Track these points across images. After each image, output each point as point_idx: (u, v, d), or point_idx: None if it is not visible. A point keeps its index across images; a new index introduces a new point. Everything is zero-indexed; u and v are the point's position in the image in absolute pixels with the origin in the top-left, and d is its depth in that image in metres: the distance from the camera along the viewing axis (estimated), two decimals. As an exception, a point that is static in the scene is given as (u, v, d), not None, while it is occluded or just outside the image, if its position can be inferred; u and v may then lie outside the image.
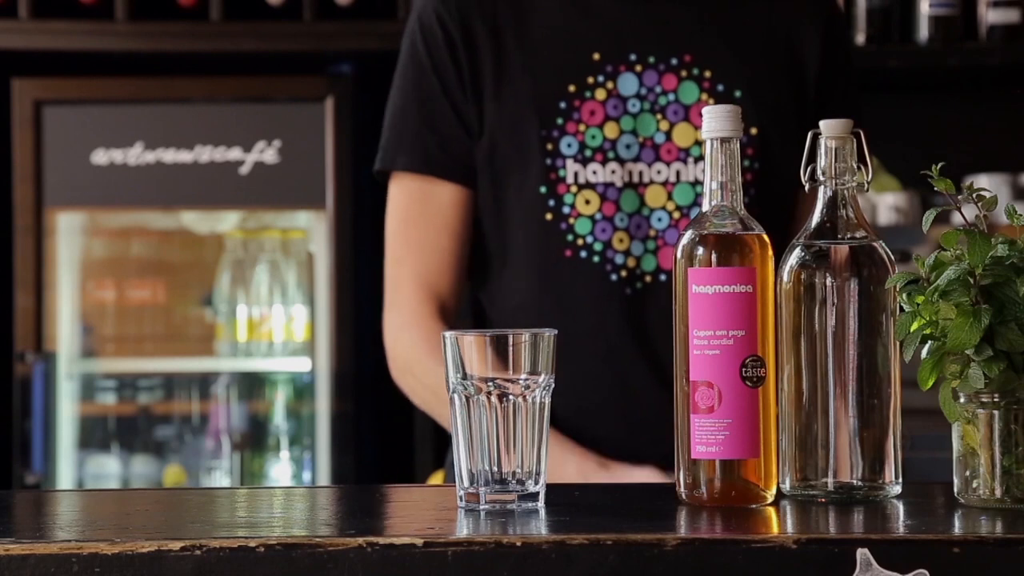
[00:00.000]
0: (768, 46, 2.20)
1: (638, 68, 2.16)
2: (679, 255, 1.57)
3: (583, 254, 2.14)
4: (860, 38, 3.84)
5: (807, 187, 1.62)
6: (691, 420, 1.55)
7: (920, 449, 2.97)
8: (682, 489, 1.57)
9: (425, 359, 2.15)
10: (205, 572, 1.34)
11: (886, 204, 3.85)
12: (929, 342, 1.51)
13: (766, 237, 1.58)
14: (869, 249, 1.58)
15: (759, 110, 2.16)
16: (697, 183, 2.14)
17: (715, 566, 1.34)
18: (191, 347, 4.25)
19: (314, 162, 3.98)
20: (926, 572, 1.34)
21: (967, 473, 1.52)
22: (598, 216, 2.14)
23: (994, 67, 3.96)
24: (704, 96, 2.16)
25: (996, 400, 1.50)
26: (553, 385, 1.54)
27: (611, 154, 2.14)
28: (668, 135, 2.15)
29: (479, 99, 2.16)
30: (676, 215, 2.14)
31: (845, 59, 2.26)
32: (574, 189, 2.14)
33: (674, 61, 2.16)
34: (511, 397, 1.51)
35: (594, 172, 2.14)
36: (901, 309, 1.54)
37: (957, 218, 1.54)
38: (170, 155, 3.98)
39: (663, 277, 2.14)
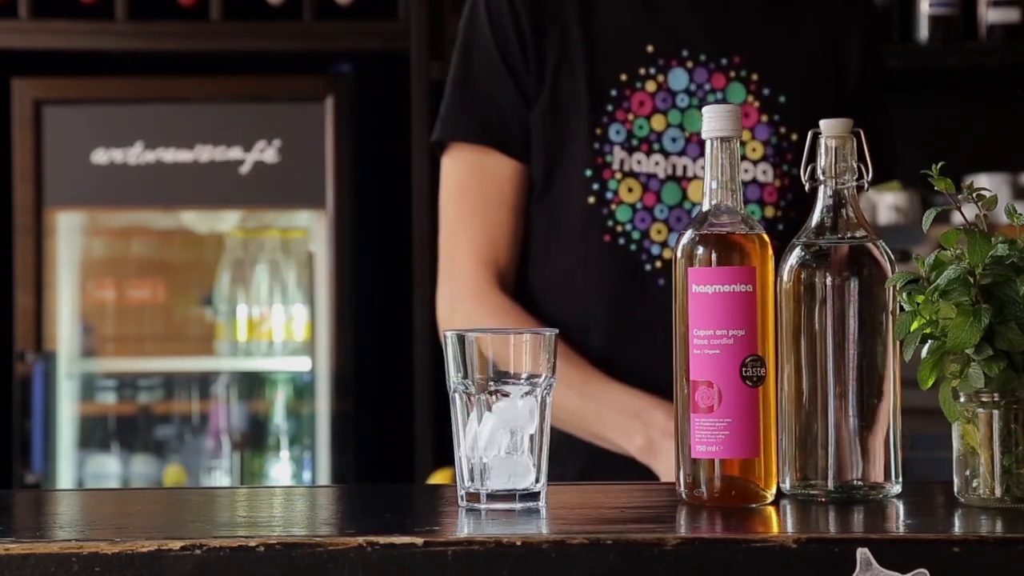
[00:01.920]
0: (815, 53, 2.23)
1: (689, 64, 2.19)
2: (679, 254, 1.58)
3: (621, 241, 2.16)
4: (860, 38, 3.84)
5: (807, 187, 1.62)
6: (691, 419, 1.56)
7: (920, 449, 2.96)
8: (682, 488, 1.57)
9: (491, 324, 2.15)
10: (205, 572, 1.34)
11: (886, 204, 3.85)
12: (929, 342, 1.51)
13: (766, 237, 1.58)
14: (869, 249, 1.58)
15: (803, 116, 2.18)
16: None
17: (715, 566, 1.34)
18: (191, 347, 4.25)
19: (314, 162, 3.98)
20: (926, 572, 1.34)
21: (967, 473, 1.52)
22: (639, 205, 2.16)
23: (994, 67, 3.95)
24: (750, 98, 2.19)
25: (996, 399, 1.50)
26: (554, 384, 1.54)
27: (656, 146, 2.17)
28: None
29: (541, 76, 2.18)
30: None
31: (881, 67, 2.32)
32: (619, 176, 2.16)
33: (724, 61, 2.19)
34: (512, 396, 1.51)
35: (639, 162, 2.16)
36: (901, 309, 1.54)
37: (957, 218, 1.54)
38: (170, 155, 3.98)
39: None
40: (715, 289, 1.55)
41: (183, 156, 3.98)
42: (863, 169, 1.60)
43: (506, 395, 1.52)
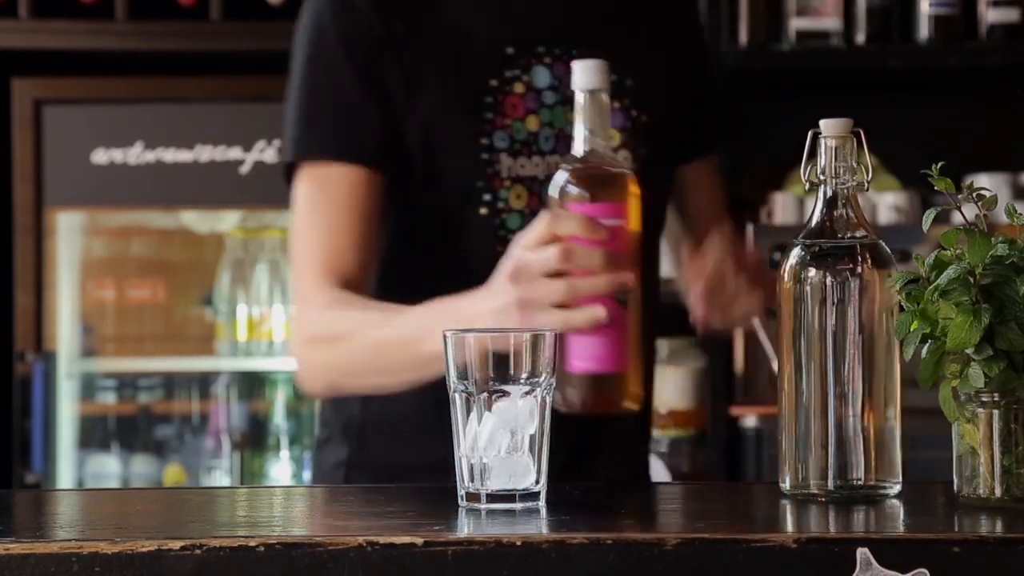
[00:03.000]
0: (656, 32, 2.22)
1: (548, 60, 2.16)
2: (552, 192, 1.78)
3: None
4: (860, 37, 3.84)
5: (807, 187, 1.62)
6: (569, 337, 1.74)
7: (920, 449, 2.97)
8: (556, 398, 1.65)
9: (321, 317, 2.08)
10: (205, 572, 1.34)
11: (886, 204, 3.85)
12: (929, 341, 1.51)
13: (633, 175, 1.78)
14: (869, 248, 1.58)
15: (649, 98, 2.18)
16: None
17: (715, 566, 1.34)
18: (191, 347, 4.25)
19: (314, 162, 3.97)
20: (926, 572, 1.34)
21: (967, 472, 1.53)
22: (527, 211, 2.13)
23: (994, 67, 3.95)
24: None
25: (996, 399, 1.50)
26: (554, 384, 1.54)
27: (535, 147, 2.15)
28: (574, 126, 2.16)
29: (406, 99, 2.12)
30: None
31: (702, 38, 2.34)
32: (508, 183, 2.13)
33: (575, 52, 2.17)
34: (512, 396, 1.51)
35: (522, 166, 2.14)
36: (901, 309, 1.54)
37: (957, 217, 1.54)
38: (170, 155, 3.98)
39: None
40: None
41: (183, 156, 3.98)
42: (863, 169, 1.60)
43: (506, 395, 1.52)
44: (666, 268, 2.36)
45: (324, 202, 2.10)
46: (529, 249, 1.82)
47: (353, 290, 2.07)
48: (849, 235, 1.58)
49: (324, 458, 2.24)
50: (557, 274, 1.78)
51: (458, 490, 1.54)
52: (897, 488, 1.57)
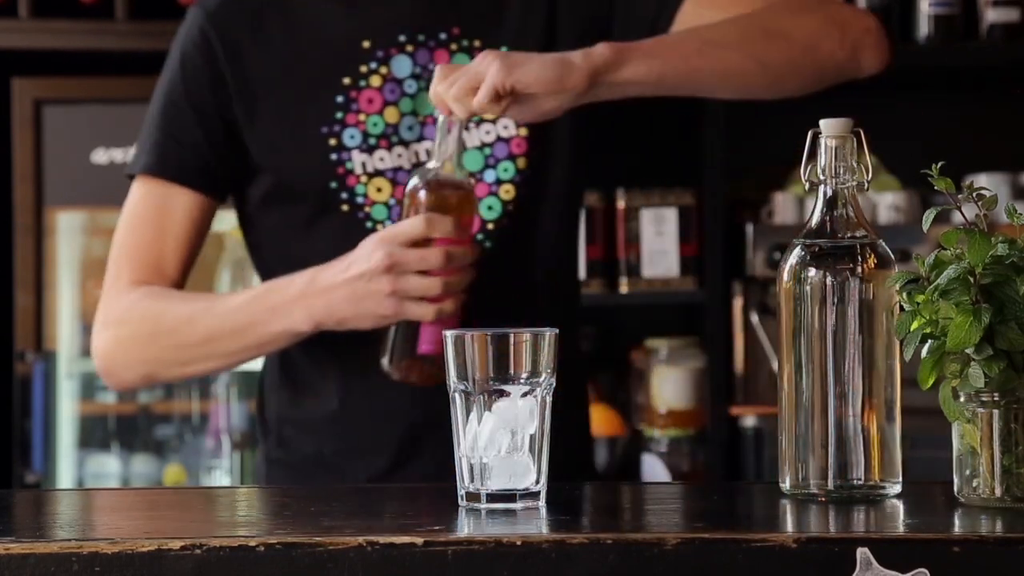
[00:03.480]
0: (524, 14, 2.20)
1: (409, 48, 2.18)
2: (407, 201, 2.03)
3: None
4: (860, 38, 3.83)
5: (807, 187, 1.62)
6: (421, 324, 2.03)
7: (920, 448, 2.97)
8: (398, 373, 2.05)
9: (138, 311, 2.17)
10: (205, 572, 1.34)
11: (886, 203, 3.85)
12: (929, 341, 1.51)
13: (475, 194, 2.06)
14: (869, 248, 1.58)
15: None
16: (484, 146, 2.18)
17: (715, 566, 1.34)
18: (191, 347, 4.24)
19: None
20: (926, 571, 1.34)
21: (967, 472, 1.53)
22: (391, 201, 2.16)
23: (994, 67, 3.96)
24: None
25: (996, 399, 1.50)
26: (555, 384, 1.54)
27: (395, 138, 2.16)
28: None
29: (249, 110, 2.17)
30: (472, 181, 2.16)
31: None
32: (364, 179, 2.16)
33: (443, 36, 2.18)
34: (512, 396, 1.51)
35: (381, 159, 2.16)
36: (901, 308, 1.54)
37: (957, 217, 1.54)
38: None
39: None
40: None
41: (183, 156, 3.97)
42: (863, 169, 1.60)
43: (506, 395, 1.52)
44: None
45: (150, 211, 2.20)
46: (402, 244, 2.00)
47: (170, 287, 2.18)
48: (849, 235, 1.58)
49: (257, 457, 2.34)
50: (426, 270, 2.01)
51: (458, 490, 1.54)
52: (897, 488, 1.57)
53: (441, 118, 2.02)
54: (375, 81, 2.17)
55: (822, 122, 1.60)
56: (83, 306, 4.19)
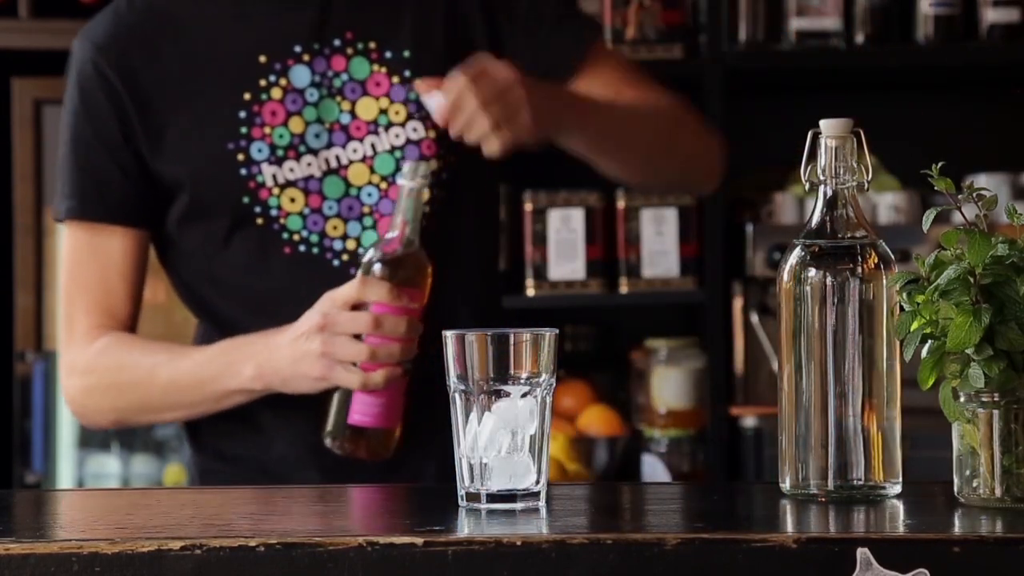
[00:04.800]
0: (418, 9, 2.20)
1: (306, 58, 2.18)
2: (364, 263, 2.04)
3: (302, 248, 2.16)
4: (860, 37, 3.84)
5: (807, 187, 1.62)
6: (354, 394, 2.03)
7: (920, 448, 2.97)
8: (334, 444, 2.05)
9: (103, 362, 2.19)
10: (205, 572, 1.34)
11: (886, 204, 3.85)
12: (929, 341, 1.51)
13: (430, 267, 2.06)
14: (869, 248, 1.58)
15: (431, 62, 2.17)
16: (394, 149, 2.17)
17: (715, 566, 1.34)
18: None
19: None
20: (926, 572, 1.34)
21: (967, 472, 1.52)
22: (306, 211, 2.16)
23: (994, 67, 3.95)
24: (375, 67, 2.18)
25: (996, 399, 1.50)
26: (555, 384, 1.54)
27: (302, 148, 2.17)
28: (352, 113, 2.18)
29: (155, 135, 2.17)
30: (383, 185, 2.17)
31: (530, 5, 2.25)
32: (276, 191, 2.16)
33: (337, 42, 2.18)
34: (512, 396, 1.51)
35: (291, 169, 2.16)
36: (901, 309, 1.54)
37: (957, 217, 1.54)
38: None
39: None
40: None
41: (183, 156, 3.97)
42: (863, 169, 1.60)
43: (506, 395, 1.52)
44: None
45: (90, 260, 2.20)
46: (338, 307, 2.02)
47: (124, 329, 2.19)
48: (849, 235, 1.58)
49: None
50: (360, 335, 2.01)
51: (458, 490, 1.54)
52: (897, 488, 1.57)
53: (404, 185, 2.04)
54: (276, 93, 2.17)
55: (822, 122, 1.60)
56: (83, 306, 4.19)
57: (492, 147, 2.03)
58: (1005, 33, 3.83)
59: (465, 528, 1.45)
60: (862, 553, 1.34)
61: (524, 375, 1.52)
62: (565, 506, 1.56)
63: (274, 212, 2.16)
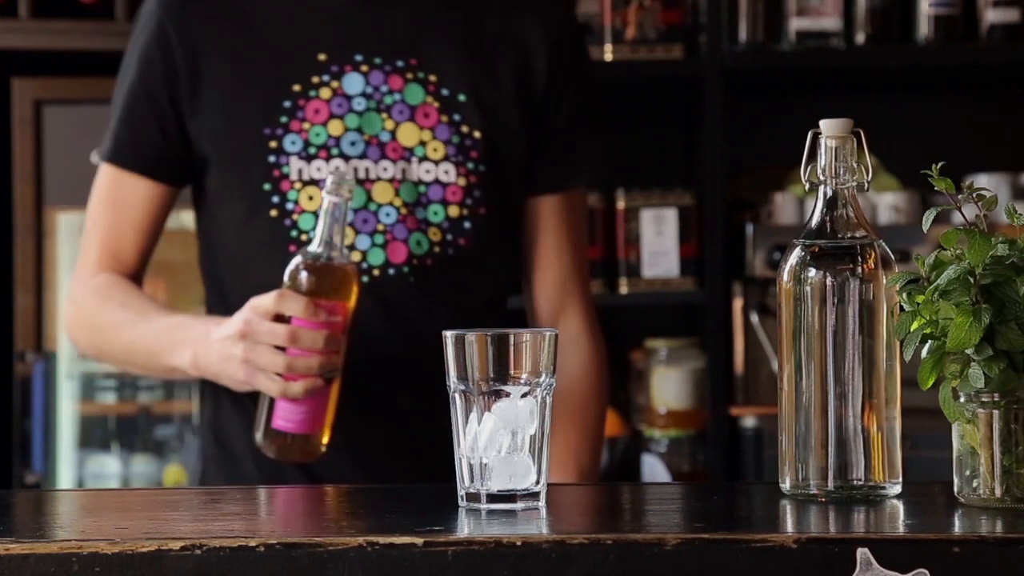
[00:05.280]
0: (497, 52, 2.23)
1: (364, 68, 2.19)
2: (285, 274, 2.04)
3: None
4: (860, 37, 3.84)
5: (807, 187, 1.62)
6: (277, 402, 2.04)
7: (920, 448, 2.97)
8: (262, 446, 2.07)
9: (90, 301, 2.26)
10: (205, 572, 1.34)
11: (886, 204, 3.85)
12: (929, 341, 1.51)
13: (357, 278, 2.06)
14: (869, 248, 1.58)
15: (483, 115, 2.20)
16: (421, 183, 2.18)
17: (715, 566, 1.34)
18: (191, 347, 4.24)
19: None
20: (926, 572, 1.34)
21: (967, 473, 1.53)
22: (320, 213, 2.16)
23: (994, 67, 3.95)
24: (429, 99, 2.20)
25: (996, 399, 1.50)
26: (555, 384, 1.54)
27: (335, 151, 2.18)
28: (393, 134, 2.19)
29: (198, 102, 2.20)
30: (404, 211, 2.18)
31: (576, 70, 2.29)
32: (298, 186, 2.17)
33: (400, 63, 2.20)
34: (512, 396, 1.51)
35: (318, 169, 2.17)
36: (901, 309, 1.54)
37: (957, 218, 1.54)
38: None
39: (391, 271, 2.18)
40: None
41: (183, 156, 3.97)
42: (863, 169, 1.60)
43: (506, 395, 1.52)
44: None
45: (111, 197, 2.27)
46: (259, 315, 2.03)
47: (127, 273, 2.27)
48: (849, 235, 1.58)
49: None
50: (280, 345, 2.02)
51: (458, 490, 1.54)
52: (897, 488, 1.57)
53: (326, 200, 2.04)
54: (324, 93, 2.18)
55: (822, 122, 1.60)
56: (83, 306, 4.18)
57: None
58: (1005, 33, 3.83)
59: (465, 528, 1.45)
60: (862, 553, 1.34)
61: (524, 375, 1.52)
62: (565, 506, 1.56)
63: (290, 206, 2.17)
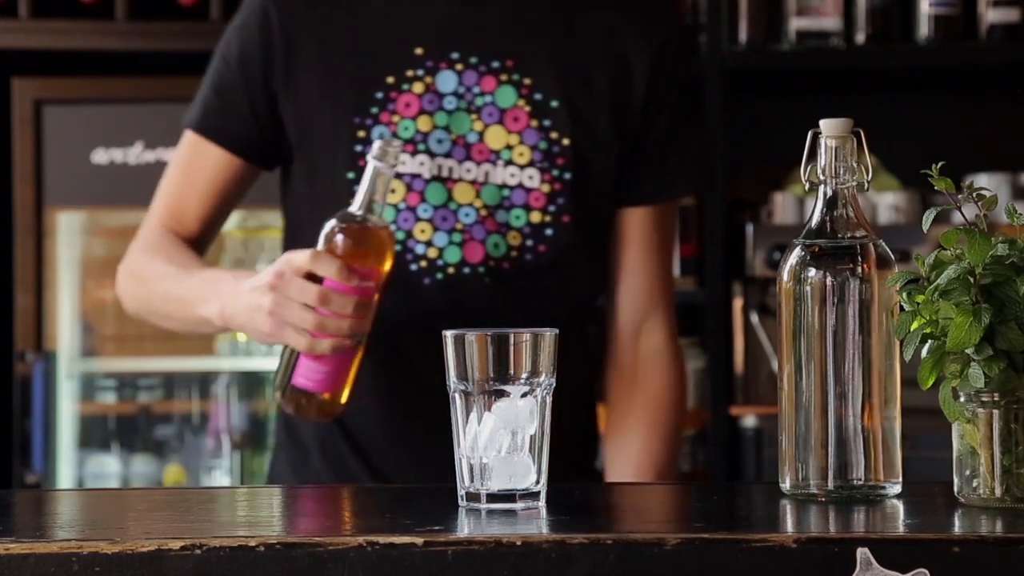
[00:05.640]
0: (595, 61, 2.21)
1: (459, 67, 2.18)
2: (321, 235, 2.02)
3: None
4: (860, 37, 3.84)
5: (807, 187, 1.62)
6: (300, 359, 2.03)
7: (920, 448, 2.97)
8: (279, 400, 2.06)
9: (140, 254, 2.28)
10: (205, 572, 1.34)
11: (886, 204, 3.85)
12: (929, 341, 1.51)
13: (393, 245, 2.03)
14: (869, 248, 1.58)
15: (574, 123, 2.18)
16: (504, 186, 2.17)
17: (715, 566, 1.34)
18: (191, 346, 4.25)
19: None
20: (926, 572, 1.34)
21: (967, 472, 1.53)
22: (401, 206, 2.17)
23: (994, 67, 3.96)
24: (521, 102, 2.18)
25: (996, 399, 1.50)
26: (555, 384, 1.54)
27: (422, 146, 2.17)
28: (481, 136, 2.18)
29: (292, 85, 2.20)
30: (483, 212, 2.17)
31: (676, 84, 2.27)
32: None
33: (495, 64, 2.19)
34: (512, 396, 1.51)
35: (403, 163, 2.17)
36: (901, 308, 1.54)
37: (957, 217, 1.54)
38: (170, 155, 3.95)
39: (467, 270, 2.17)
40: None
41: (183, 156, 3.97)
42: (863, 169, 1.60)
43: (506, 395, 1.52)
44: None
45: (185, 163, 2.29)
46: (292, 270, 2.02)
47: (186, 237, 2.28)
48: (849, 235, 1.58)
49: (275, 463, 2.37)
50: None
51: (458, 490, 1.54)
52: (897, 488, 1.57)
53: (371, 165, 2.02)
54: (417, 88, 2.18)
55: (822, 122, 1.60)
56: (83, 306, 4.19)
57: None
58: (1005, 33, 3.84)
59: (465, 528, 1.45)
60: (862, 553, 1.34)
61: (524, 375, 1.52)
62: (565, 506, 1.56)
63: None
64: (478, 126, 2.18)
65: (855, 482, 1.56)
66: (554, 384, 1.54)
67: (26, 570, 1.34)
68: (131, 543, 1.35)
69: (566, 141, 2.18)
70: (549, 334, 1.54)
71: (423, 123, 2.17)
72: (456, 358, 1.53)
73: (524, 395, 1.52)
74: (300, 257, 2.02)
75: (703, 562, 1.34)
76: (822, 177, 1.60)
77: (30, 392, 3.99)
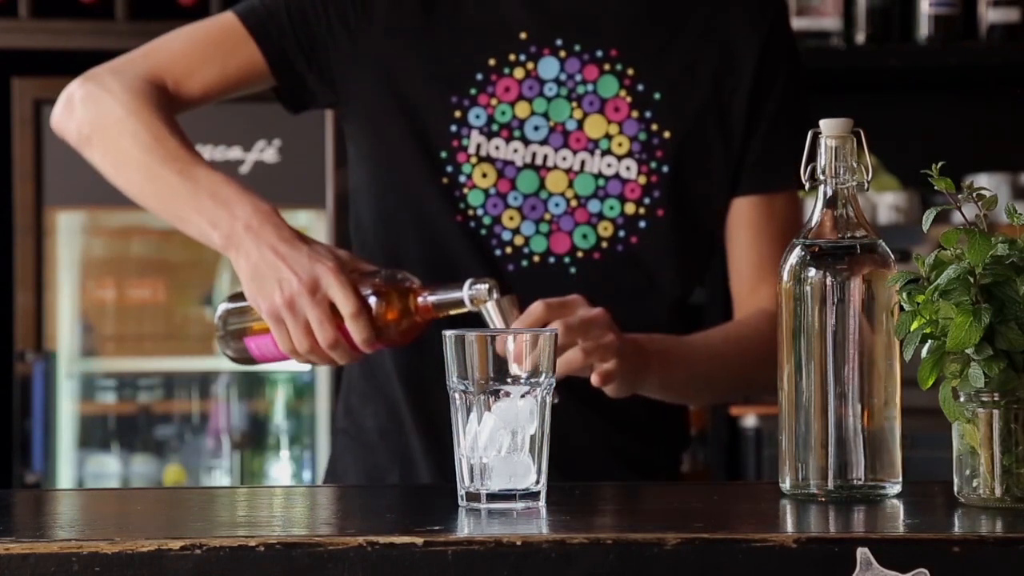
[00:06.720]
0: (699, 52, 2.18)
1: (562, 54, 2.16)
2: (399, 287, 1.97)
3: (472, 224, 2.14)
4: (860, 37, 3.84)
5: (807, 186, 1.62)
6: (268, 334, 1.99)
7: (920, 448, 2.97)
8: (224, 344, 2.07)
9: (139, 100, 2.19)
10: (205, 572, 1.34)
11: (886, 203, 3.85)
12: (929, 341, 1.51)
13: (423, 310, 1.97)
14: (869, 248, 1.58)
15: (675, 115, 2.15)
16: (600, 176, 2.14)
17: (715, 566, 1.34)
18: (191, 346, 4.25)
19: (314, 162, 3.98)
20: (926, 571, 1.34)
21: (967, 472, 1.53)
22: (492, 191, 2.14)
23: (994, 67, 3.96)
24: (623, 92, 2.15)
25: (996, 399, 1.50)
26: (554, 384, 1.54)
27: (517, 133, 2.15)
28: (580, 124, 2.15)
29: (379, 44, 2.15)
30: (574, 203, 2.14)
31: (787, 71, 2.23)
32: (474, 160, 2.14)
33: (599, 53, 2.16)
34: (512, 396, 1.51)
35: (496, 147, 2.14)
36: (901, 308, 1.54)
37: (957, 217, 1.54)
38: (170, 155, 3.97)
39: (552, 260, 2.14)
40: None
41: (183, 156, 3.97)
42: (863, 169, 1.60)
43: (506, 395, 1.52)
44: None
45: (217, 44, 2.21)
46: (324, 294, 1.95)
47: (175, 97, 2.20)
48: (849, 235, 1.58)
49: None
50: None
51: (458, 490, 1.54)
52: (897, 488, 1.57)
53: (463, 296, 1.96)
54: (518, 73, 2.15)
55: (822, 122, 1.60)
56: (83, 306, 4.19)
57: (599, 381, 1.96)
58: (1005, 33, 3.84)
59: (465, 528, 1.45)
60: (862, 553, 1.34)
61: (524, 375, 1.52)
62: (565, 506, 1.56)
63: (462, 179, 2.13)
64: (578, 114, 2.15)
65: (855, 482, 1.56)
66: (554, 384, 1.54)
67: (26, 570, 1.34)
68: (131, 543, 1.35)
69: (667, 134, 2.14)
70: (549, 334, 1.54)
71: (520, 109, 2.14)
72: (456, 358, 1.53)
73: (524, 395, 1.52)
74: (346, 292, 1.96)
75: (703, 562, 1.34)
76: (822, 177, 1.60)
77: (30, 392, 3.99)
